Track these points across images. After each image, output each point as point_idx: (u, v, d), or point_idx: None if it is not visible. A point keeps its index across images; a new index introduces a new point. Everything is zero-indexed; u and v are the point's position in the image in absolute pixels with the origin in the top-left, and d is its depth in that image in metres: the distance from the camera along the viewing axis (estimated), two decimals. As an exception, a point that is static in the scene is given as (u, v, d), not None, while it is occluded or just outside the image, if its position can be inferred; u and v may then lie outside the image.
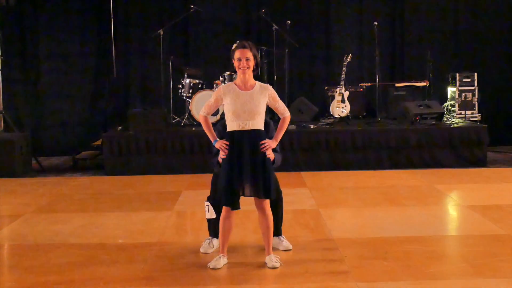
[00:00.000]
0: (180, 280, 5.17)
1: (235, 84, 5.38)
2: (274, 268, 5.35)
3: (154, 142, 10.24)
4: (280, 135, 5.50)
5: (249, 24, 12.72)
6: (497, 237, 6.25)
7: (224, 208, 5.42)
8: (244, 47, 5.32)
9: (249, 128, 5.31)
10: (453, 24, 12.74)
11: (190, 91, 10.98)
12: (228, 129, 5.37)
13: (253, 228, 6.57)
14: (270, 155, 5.40)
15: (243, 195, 5.40)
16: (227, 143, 5.33)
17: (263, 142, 5.34)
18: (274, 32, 11.32)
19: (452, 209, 7.86)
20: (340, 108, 11.11)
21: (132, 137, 10.29)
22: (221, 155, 5.40)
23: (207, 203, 5.84)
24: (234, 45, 5.39)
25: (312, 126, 10.59)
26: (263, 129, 5.40)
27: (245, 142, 5.30)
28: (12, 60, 12.08)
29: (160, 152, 10.27)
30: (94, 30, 12.62)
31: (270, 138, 5.46)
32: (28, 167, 10.67)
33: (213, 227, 5.86)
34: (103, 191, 9.10)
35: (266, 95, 5.39)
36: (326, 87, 11.93)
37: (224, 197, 5.37)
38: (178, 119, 11.16)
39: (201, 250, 5.85)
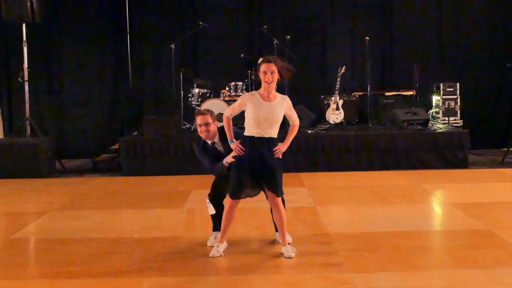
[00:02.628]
0: (190, 271, 5.17)
1: (259, 94, 5.39)
2: (290, 257, 5.40)
3: (166, 146, 10.24)
4: (290, 139, 5.57)
5: (252, 39, 12.72)
6: (478, 232, 6.24)
7: (230, 200, 5.47)
8: (269, 61, 5.32)
9: (267, 136, 5.35)
10: (438, 38, 12.73)
11: (199, 100, 10.97)
12: (246, 133, 5.40)
13: (256, 224, 6.57)
14: (279, 154, 5.46)
15: (260, 189, 5.50)
16: (241, 147, 5.37)
17: (276, 148, 5.39)
18: (275, 46, 11.31)
19: (437, 207, 7.85)
20: (335, 115, 11.11)
21: (147, 141, 10.30)
22: (232, 154, 5.45)
23: (207, 200, 5.90)
24: (260, 59, 5.40)
25: (309, 132, 10.58)
26: (276, 136, 5.44)
27: (261, 148, 5.34)
28: (37, 72, 12.09)
29: (172, 155, 10.27)
30: (112, 44, 12.63)
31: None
32: (52, 168, 10.68)
33: (215, 221, 5.91)
34: (120, 190, 9.09)
35: (285, 106, 5.43)
36: (322, 96, 11.92)
37: (232, 190, 5.44)
38: (188, 125, 11.16)
39: (208, 244, 5.86)
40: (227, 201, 5.60)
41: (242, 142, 5.39)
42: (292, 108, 5.55)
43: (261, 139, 5.34)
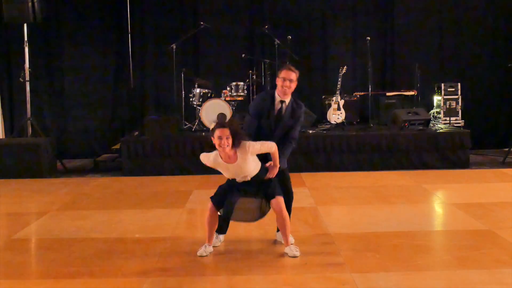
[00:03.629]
0: (190, 271, 5.17)
1: (221, 158, 5.35)
2: (295, 256, 5.42)
3: (167, 146, 10.24)
4: (276, 167, 5.50)
5: (253, 39, 12.72)
6: (479, 232, 6.24)
7: (210, 207, 5.54)
8: (223, 126, 5.19)
9: (249, 179, 5.43)
10: (439, 38, 12.73)
11: (200, 100, 10.97)
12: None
13: (257, 224, 6.55)
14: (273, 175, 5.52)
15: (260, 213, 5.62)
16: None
17: (267, 177, 5.48)
18: (276, 46, 11.32)
19: (438, 207, 7.84)
20: (336, 115, 11.11)
21: (148, 142, 10.30)
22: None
23: None
24: (212, 125, 5.31)
25: (311, 132, 10.58)
26: (258, 170, 5.44)
27: (248, 184, 5.48)
28: (39, 72, 12.10)
29: (173, 155, 10.27)
30: (113, 44, 12.63)
31: None
32: (54, 168, 10.68)
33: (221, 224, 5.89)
34: (121, 190, 9.10)
35: (248, 156, 5.32)
36: (323, 96, 11.93)
37: (217, 198, 5.53)
38: (189, 125, 11.16)
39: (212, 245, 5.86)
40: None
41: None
42: (258, 147, 5.33)
43: (245, 182, 5.45)
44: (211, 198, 5.56)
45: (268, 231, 6.27)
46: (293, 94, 5.67)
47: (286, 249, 5.52)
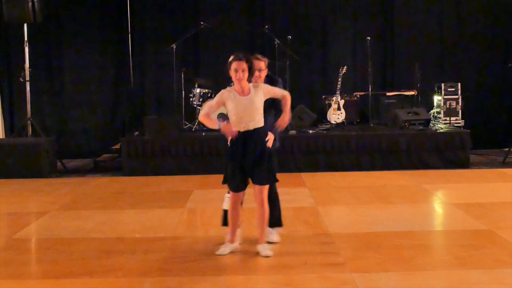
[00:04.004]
0: (191, 271, 5.17)
1: (235, 90, 5.46)
2: (267, 256, 5.41)
3: (168, 146, 10.24)
4: (287, 109, 5.56)
5: (253, 39, 12.71)
6: (479, 232, 6.24)
7: (231, 197, 5.51)
8: (240, 59, 5.39)
9: (251, 128, 5.38)
10: (439, 38, 12.72)
11: (200, 100, 10.97)
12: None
13: (257, 223, 6.57)
14: (270, 144, 5.50)
15: (247, 184, 5.52)
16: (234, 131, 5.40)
17: (267, 139, 5.44)
18: (276, 46, 11.32)
19: (438, 207, 7.85)
20: (336, 115, 11.11)
21: (148, 141, 10.30)
22: (228, 137, 5.44)
23: (228, 195, 5.76)
24: (231, 57, 5.47)
25: (311, 131, 10.58)
26: (262, 124, 5.45)
27: (248, 140, 5.38)
28: (39, 72, 12.09)
29: (173, 155, 10.27)
30: (113, 44, 12.62)
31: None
32: (54, 168, 10.68)
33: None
34: (121, 190, 9.10)
35: (261, 94, 5.45)
36: (323, 96, 11.93)
37: (230, 185, 5.50)
38: (189, 125, 11.16)
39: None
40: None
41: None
42: (271, 88, 5.52)
43: (245, 133, 5.39)
44: (229, 185, 5.50)
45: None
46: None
47: (259, 247, 5.50)
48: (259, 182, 5.44)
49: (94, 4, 12.56)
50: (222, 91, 5.56)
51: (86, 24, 12.51)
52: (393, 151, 10.31)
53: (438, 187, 8.82)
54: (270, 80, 5.84)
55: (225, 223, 5.86)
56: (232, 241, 5.60)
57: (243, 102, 5.39)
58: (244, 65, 5.37)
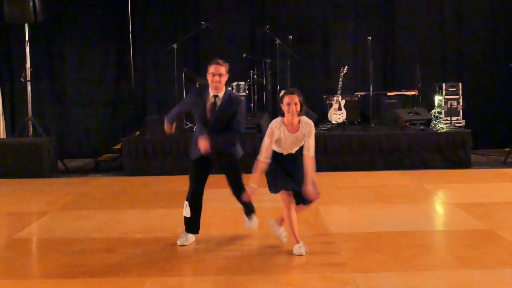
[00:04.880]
0: (192, 271, 5.18)
1: (284, 124, 5.45)
2: (301, 254, 5.44)
3: (169, 146, 10.25)
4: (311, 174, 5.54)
5: (254, 39, 12.71)
6: (480, 232, 6.24)
7: (286, 194, 5.50)
8: (292, 93, 5.40)
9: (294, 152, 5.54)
10: (440, 38, 12.71)
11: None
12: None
13: (259, 224, 6.57)
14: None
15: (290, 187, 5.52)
16: None
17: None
18: (277, 46, 11.31)
19: (439, 207, 7.84)
20: (337, 115, 11.11)
21: (149, 141, 10.31)
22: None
23: (186, 202, 5.97)
24: (283, 92, 5.51)
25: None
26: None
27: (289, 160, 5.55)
28: (40, 72, 12.10)
29: (174, 154, 10.27)
30: (114, 43, 12.62)
31: None
32: (55, 168, 10.69)
33: (188, 223, 5.98)
34: (122, 190, 9.10)
35: (306, 132, 5.50)
36: (324, 96, 11.92)
37: (279, 186, 5.49)
38: (190, 124, 11.15)
39: (179, 243, 5.90)
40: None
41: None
42: (313, 137, 5.52)
43: (289, 155, 5.53)
44: (276, 190, 5.51)
45: (270, 230, 6.27)
46: (228, 88, 5.95)
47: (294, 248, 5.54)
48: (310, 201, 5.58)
49: (95, 4, 12.56)
50: (277, 120, 5.52)
51: (87, 24, 12.52)
52: (394, 151, 10.31)
53: (439, 187, 8.82)
54: (232, 97, 5.90)
55: (188, 229, 5.94)
56: (298, 239, 5.57)
57: (290, 138, 5.47)
58: (297, 99, 5.38)
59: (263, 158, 5.40)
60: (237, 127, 5.77)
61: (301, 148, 5.52)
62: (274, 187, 5.51)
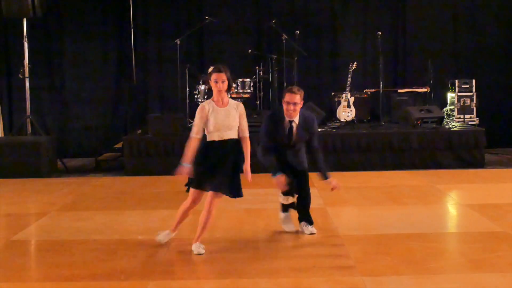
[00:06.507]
0: (195, 274, 5.19)
1: (213, 101, 5.69)
2: (199, 254, 5.58)
3: (171, 145, 10.26)
4: (248, 156, 5.73)
5: (260, 34, 12.71)
6: (494, 234, 6.22)
7: (194, 192, 5.75)
8: (219, 71, 5.67)
9: (226, 138, 5.63)
10: (453, 33, 12.69)
11: (205, 97, 10.96)
12: (208, 139, 5.67)
13: (263, 225, 6.60)
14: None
15: (207, 189, 5.71)
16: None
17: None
18: (284, 41, 11.31)
19: (452, 208, 7.83)
20: (346, 113, 11.10)
21: (151, 140, 10.33)
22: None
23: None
24: (211, 68, 5.76)
25: (319, 130, 10.57)
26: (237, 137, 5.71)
27: (223, 150, 5.64)
28: (38, 68, 12.12)
29: (177, 154, 10.17)
30: (115, 39, 12.65)
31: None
32: (54, 168, 10.71)
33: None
34: (123, 190, 9.11)
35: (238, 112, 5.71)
36: (332, 93, 11.91)
37: (195, 183, 5.72)
38: (193, 122, 11.16)
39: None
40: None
41: (204, 148, 5.66)
42: (244, 117, 5.77)
43: (221, 142, 5.63)
44: (193, 186, 5.74)
45: (275, 232, 6.28)
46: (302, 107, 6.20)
47: (193, 246, 5.68)
48: (214, 187, 5.69)
49: (95, -2, 12.61)
50: (204, 103, 5.76)
51: (87, 18, 12.55)
52: (405, 150, 10.30)
53: (452, 187, 8.81)
54: (305, 119, 6.24)
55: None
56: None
57: (221, 113, 5.65)
58: (224, 76, 5.68)
59: (195, 134, 5.67)
60: (315, 145, 6.29)
61: (233, 139, 5.67)
62: (193, 183, 5.72)
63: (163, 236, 5.98)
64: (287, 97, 6.05)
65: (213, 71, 5.70)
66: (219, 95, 5.66)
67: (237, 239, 6.08)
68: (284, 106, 6.08)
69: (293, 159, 6.19)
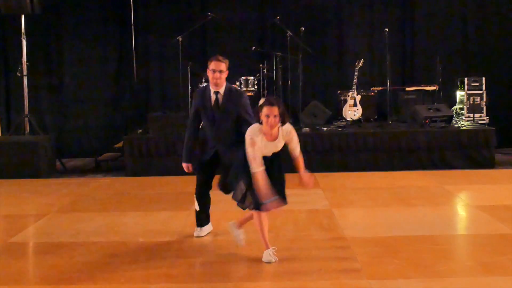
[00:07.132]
0: (198, 277, 5.18)
1: (263, 134, 5.41)
2: (270, 262, 5.43)
3: (173, 144, 10.26)
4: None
5: (264, 30, 12.73)
6: (505, 237, 6.21)
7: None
8: (272, 104, 5.31)
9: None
10: (462, 29, 12.69)
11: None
12: None
13: (268, 227, 6.57)
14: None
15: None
16: None
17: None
18: (288, 38, 11.30)
19: (461, 209, 7.82)
20: (352, 112, 11.10)
21: (152, 140, 10.33)
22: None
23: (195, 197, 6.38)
24: (262, 100, 5.44)
25: (325, 129, 10.57)
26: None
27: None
28: (37, 66, 12.16)
29: (179, 154, 10.25)
30: (116, 36, 12.68)
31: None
32: (52, 168, 10.73)
33: (196, 217, 6.38)
34: (123, 191, 9.12)
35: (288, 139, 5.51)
36: (338, 91, 11.92)
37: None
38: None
39: (195, 235, 6.28)
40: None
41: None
42: (295, 134, 5.55)
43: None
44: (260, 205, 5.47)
45: (279, 234, 6.28)
46: (229, 82, 6.22)
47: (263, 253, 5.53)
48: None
49: (95, -6, 12.63)
50: (256, 131, 5.45)
51: (86, 15, 12.57)
52: (413, 150, 10.29)
53: (461, 188, 8.80)
54: (233, 91, 6.18)
55: (198, 223, 6.38)
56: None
57: (269, 147, 5.44)
58: (276, 111, 5.28)
59: (258, 168, 5.34)
60: (250, 122, 5.80)
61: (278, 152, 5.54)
62: (258, 203, 5.44)
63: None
64: (212, 65, 6.04)
65: (264, 104, 5.34)
66: (269, 130, 5.37)
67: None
68: (210, 75, 6.04)
69: (222, 146, 6.05)
